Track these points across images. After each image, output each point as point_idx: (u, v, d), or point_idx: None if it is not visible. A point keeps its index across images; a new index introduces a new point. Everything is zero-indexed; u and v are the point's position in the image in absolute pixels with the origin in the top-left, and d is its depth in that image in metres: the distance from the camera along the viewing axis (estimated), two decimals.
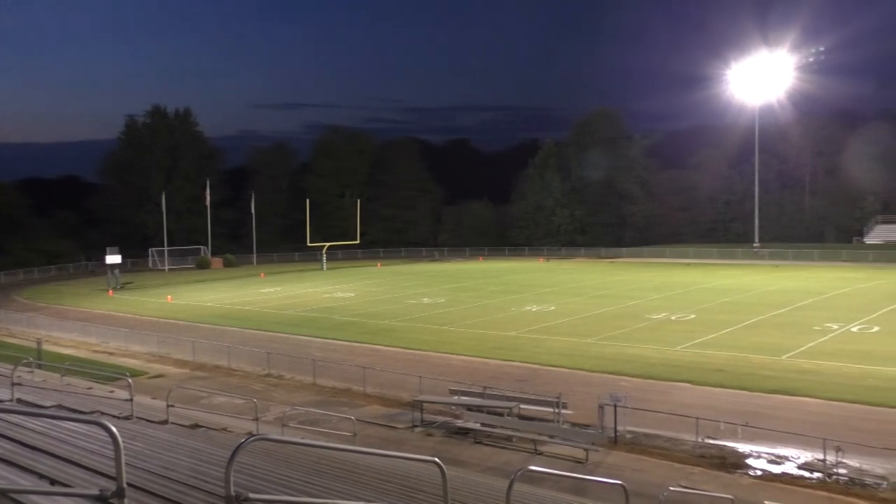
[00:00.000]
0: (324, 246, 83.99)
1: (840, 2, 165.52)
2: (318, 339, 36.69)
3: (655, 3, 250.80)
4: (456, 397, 22.85)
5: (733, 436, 19.11)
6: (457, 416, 21.83)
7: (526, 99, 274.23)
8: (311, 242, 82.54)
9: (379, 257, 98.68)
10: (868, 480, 16.37)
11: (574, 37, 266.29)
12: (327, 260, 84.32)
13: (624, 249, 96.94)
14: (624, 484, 9.35)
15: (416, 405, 22.19)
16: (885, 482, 16.21)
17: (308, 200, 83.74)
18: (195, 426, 14.29)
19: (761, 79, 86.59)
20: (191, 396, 24.13)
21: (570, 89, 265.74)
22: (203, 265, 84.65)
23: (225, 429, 15.89)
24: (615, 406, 19.54)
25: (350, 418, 19.30)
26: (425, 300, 50.34)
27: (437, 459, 6.34)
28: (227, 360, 31.54)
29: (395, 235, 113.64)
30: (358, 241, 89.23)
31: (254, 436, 7.81)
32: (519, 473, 6.70)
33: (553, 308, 44.49)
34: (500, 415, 21.06)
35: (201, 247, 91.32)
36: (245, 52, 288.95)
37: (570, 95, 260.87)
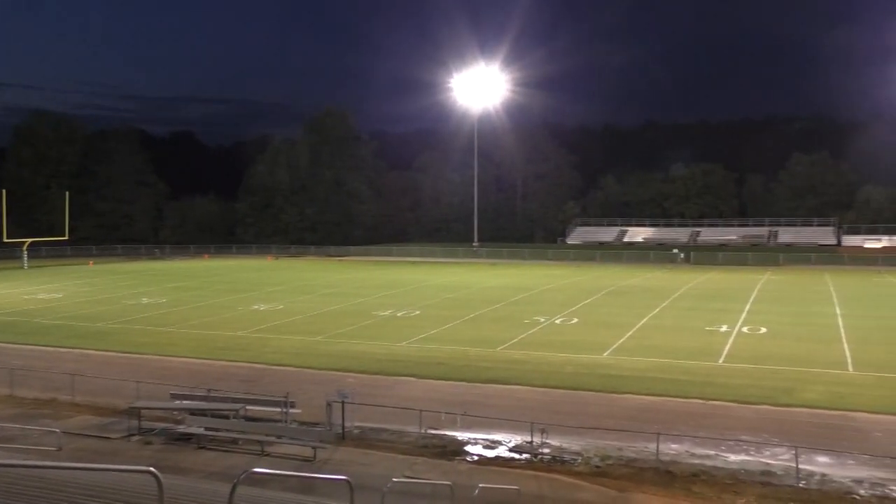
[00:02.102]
0: (24, 242, 75.64)
1: (545, 22, 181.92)
2: (17, 346, 32.93)
3: (386, 9, 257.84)
4: (177, 402, 21.71)
5: (453, 425, 20.20)
6: (179, 422, 20.74)
7: (255, 93, 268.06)
8: (8, 238, 73.77)
9: (92, 255, 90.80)
10: (567, 457, 18.16)
11: (306, 34, 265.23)
12: (29, 258, 76.09)
13: (352, 248, 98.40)
14: (349, 479, 9.49)
15: (133, 412, 20.74)
16: (580, 457, 18.09)
17: (4, 191, 74.81)
18: None
19: (480, 88, 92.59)
20: None
21: (300, 86, 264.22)
22: None
23: None
24: (343, 403, 19.76)
25: (55, 431, 17.55)
26: (144, 300, 47.30)
27: (152, 469, 5.97)
28: None
29: (111, 232, 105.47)
30: (66, 237, 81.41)
31: None
32: (242, 476, 6.53)
33: (281, 307, 43.98)
34: (226, 417, 20.38)
35: None
36: None
37: (301, 93, 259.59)
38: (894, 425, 20.27)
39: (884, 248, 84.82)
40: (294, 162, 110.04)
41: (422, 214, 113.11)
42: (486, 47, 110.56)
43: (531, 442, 18.81)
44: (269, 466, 16.47)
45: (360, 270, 71.85)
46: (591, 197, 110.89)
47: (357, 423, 20.19)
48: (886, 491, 15.81)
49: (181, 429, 19.97)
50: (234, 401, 21.35)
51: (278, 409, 20.75)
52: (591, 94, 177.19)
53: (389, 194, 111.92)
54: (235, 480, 6.37)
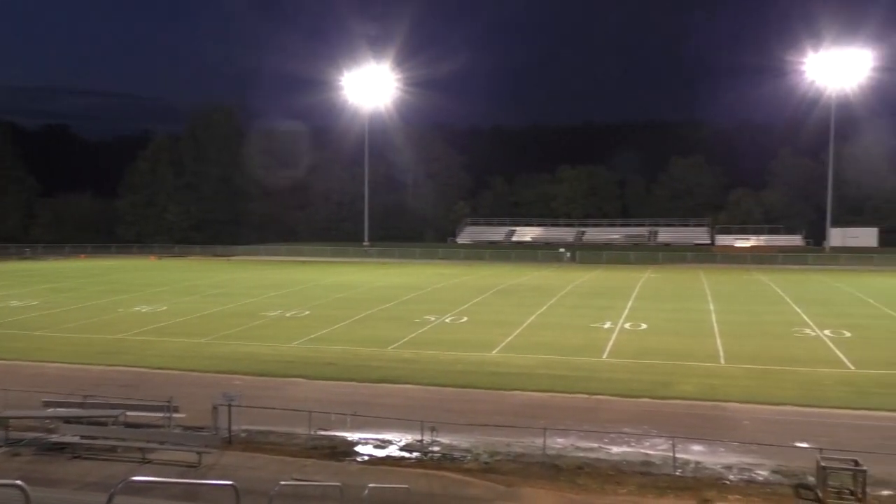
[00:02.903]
0: None
1: (436, 23, 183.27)
2: None
3: (275, 4, 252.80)
4: (50, 410, 20.59)
5: (343, 425, 20.07)
6: (51, 431, 19.68)
7: (136, 86, 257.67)
8: None
9: None
10: (456, 455, 18.37)
11: (191, 26, 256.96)
12: None
13: (240, 247, 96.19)
14: (235, 484, 9.27)
15: (1, 422, 19.54)
16: (470, 454, 18.35)
17: None
18: None
19: (371, 87, 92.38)
20: None
21: (185, 81, 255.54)
22: None
23: None
24: (229, 405, 19.29)
25: None
26: (14, 303, 44.61)
27: (20, 482, 5.66)
28: None
29: None
30: None
31: None
32: (120, 485, 6.28)
33: (165, 308, 42.46)
34: (104, 424, 19.49)
35: None
36: None
37: (186, 87, 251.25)
38: (760, 413, 21.55)
39: (752, 247, 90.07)
40: (178, 159, 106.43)
41: (312, 213, 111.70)
42: (376, 46, 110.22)
43: (421, 440, 18.92)
44: (151, 474, 15.87)
45: (247, 270, 70.26)
46: (480, 197, 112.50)
47: (244, 427, 19.75)
48: (753, 475, 16.80)
49: (54, 438, 18.95)
50: (113, 407, 20.44)
51: (161, 415, 20.03)
52: (481, 96, 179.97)
53: (278, 193, 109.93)
54: (112, 490, 6.11)
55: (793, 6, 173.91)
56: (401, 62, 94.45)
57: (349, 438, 19.54)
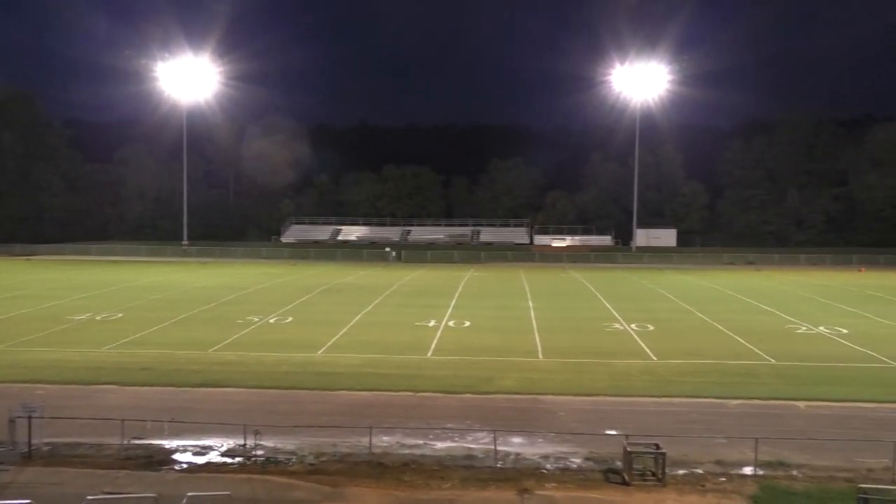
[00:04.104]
0: None
1: (260, 17, 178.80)
2: None
3: None
4: None
5: (160, 433, 19.11)
6: None
7: None
8: None
9: None
10: (281, 457, 18.02)
11: None
12: None
13: (43, 246, 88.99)
14: (32, 502, 8.57)
15: None
16: (295, 456, 18.06)
17: None
18: None
19: (189, 80, 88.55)
20: None
21: None
22: None
23: None
24: (29, 417, 17.82)
25: None
26: None
27: None
28: None
29: None
30: None
31: None
32: None
33: None
34: None
35: None
36: None
37: None
38: (575, 404, 22.78)
39: (568, 246, 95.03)
40: None
41: (125, 210, 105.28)
42: (194, 38, 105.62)
43: (244, 445, 18.41)
44: None
45: (52, 270, 65.12)
46: (305, 195, 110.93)
47: (47, 440, 18.31)
48: (567, 463, 17.74)
49: None
50: None
51: None
52: (307, 93, 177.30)
53: (86, 188, 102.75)
54: None
55: (601, 21, 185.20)
56: (222, 55, 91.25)
57: (166, 446, 18.64)
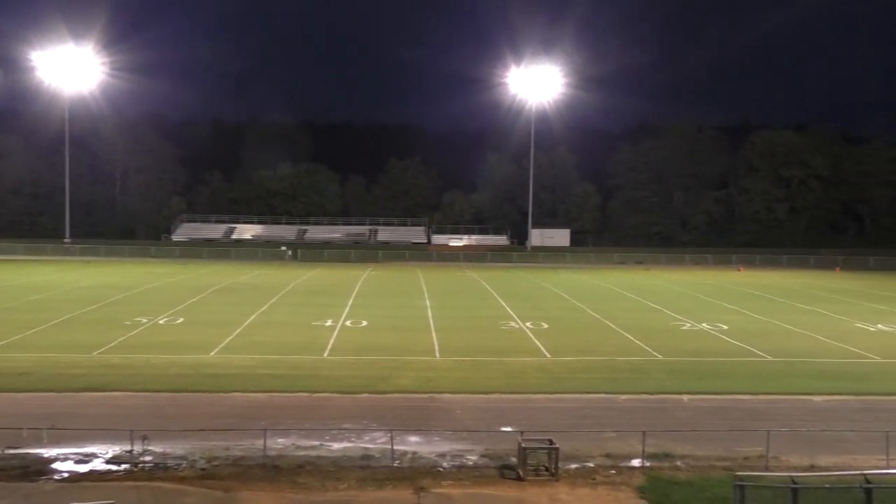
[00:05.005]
0: None
1: (149, 7, 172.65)
2: None
3: None
4: None
5: (38, 441, 18.15)
6: None
7: None
8: None
9: None
10: (171, 463, 17.42)
11: None
12: None
13: None
14: None
15: None
16: (185, 461, 17.50)
17: None
18: None
19: (71, 70, 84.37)
20: None
21: None
22: None
23: None
24: None
25: None
26: None
27: None
28: None
29: None
30: None
31: None
32: None
33: None
34: None
35: None
36: None
37: None
38: (472, 402, 23.04)
39: (465, 246, 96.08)
40: None
41: None
42: (76, 25, 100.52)
43: (131, 451, 17.71)
44: None
45: None
46: (197, 192, 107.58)
47: None
48: (464, 460, 17.92)
49: None
50: None
51: None
52: (198, 87, 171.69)
53: None
54: None
55: (497, 24, 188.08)
56: (107, 45, 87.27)
57: (45, 455, 17.71)
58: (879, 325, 38.51)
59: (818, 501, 12.70)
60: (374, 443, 18.97)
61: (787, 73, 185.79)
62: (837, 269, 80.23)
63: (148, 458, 17.54)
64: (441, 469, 17.39)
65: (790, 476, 13.77)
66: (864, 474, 11.47)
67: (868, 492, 10.85)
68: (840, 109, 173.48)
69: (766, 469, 17.21)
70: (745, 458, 18.05)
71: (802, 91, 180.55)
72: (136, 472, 16.90)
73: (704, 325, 38.04)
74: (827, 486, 13.17)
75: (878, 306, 46.55)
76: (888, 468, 16.85)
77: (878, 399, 23.90)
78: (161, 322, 36.43)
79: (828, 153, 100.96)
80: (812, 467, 17.46)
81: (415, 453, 18.27)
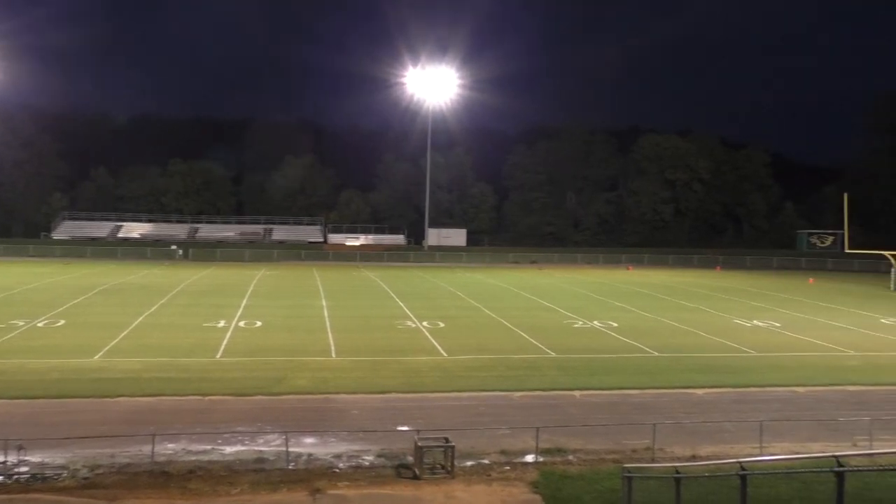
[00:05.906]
0: None
1: None
2: None
3: None
4: None
5: None
6: None
7: None
8: None
9: None
10: (49, 473, 16.55)
11: None
12: None
13: None
14: None
15: None
16: (66, 471, 16.66)
17: None
18: None
19: None
20: None
21: None
22: None
23: None
24: None
25: None
26: None
27: None
28: None
29: None
30: None
31: None
32: None
33: None
34: None
35: None
36: None
37: None
38: (368, 402, 22.94)
39: (362, 245, 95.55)
40: None
41: None
42: None
43: (5, 462, 16.73)
44: None
45: None
46: (80, 189, 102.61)
47: None
48: (360, 461, 17.83)
49: None
50: None
51: None
52: (83, 77, 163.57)
53: None
54: None
55: (395, 23, 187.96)
56: None
57: None
58: (755, 321, 40.71)
59: (699, 489, 13.30)
60: (269, 445, 18.62)
61: (673, 79, 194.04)
62: (718, 267, 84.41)
63: (24, 469, 16.62)
64: (337, 470, 17.24)
65: (674, 466, 14.36)
66: (740, 462, 12.10)
67: (743, 478, 11.48)
68: (720, 116, 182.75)
69: (653, 460, 17.90)
70: (633, 451, 18.71)
71: (687, 97, 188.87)
72: (9, 485, 15.97)
73: (596, 322, 39.20)
74: (706, 474, 13.80)
75: (754, 303, 49.23)
76: (761, 455, 17.83)
77: (754, 391, 25.27)
78: (40, 325, 34.59)
79: (710, 157, 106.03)
80: (694, 457, 18.28)
81: (310, 455, 18.03)
